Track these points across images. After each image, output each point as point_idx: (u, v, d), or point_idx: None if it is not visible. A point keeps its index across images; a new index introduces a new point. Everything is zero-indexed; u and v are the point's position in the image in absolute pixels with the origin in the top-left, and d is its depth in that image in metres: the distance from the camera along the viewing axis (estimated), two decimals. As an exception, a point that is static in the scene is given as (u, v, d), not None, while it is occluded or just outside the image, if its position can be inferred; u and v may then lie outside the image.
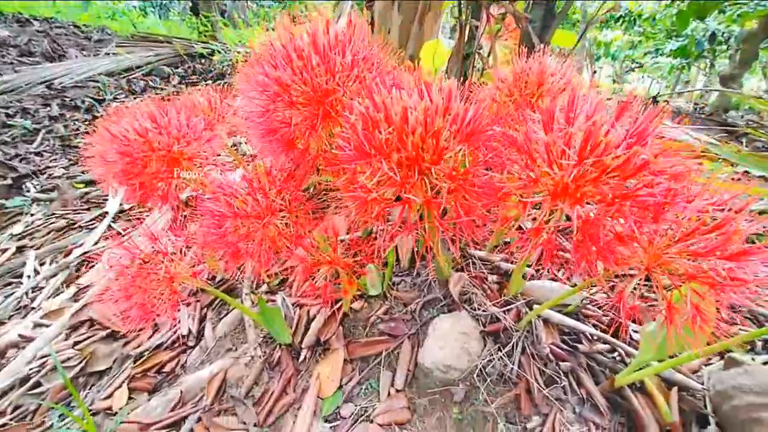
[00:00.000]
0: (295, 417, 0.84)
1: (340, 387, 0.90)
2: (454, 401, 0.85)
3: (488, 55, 1.33)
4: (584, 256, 0.52)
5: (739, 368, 0.81)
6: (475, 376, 0.86)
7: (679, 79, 8.31)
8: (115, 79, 3.47)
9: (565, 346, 0.91)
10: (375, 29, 1.82)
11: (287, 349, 0.98)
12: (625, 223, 0.51)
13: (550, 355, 0.88)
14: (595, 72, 6.49)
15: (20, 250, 1.62)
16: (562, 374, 0.86)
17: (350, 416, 0.84)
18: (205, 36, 4.51)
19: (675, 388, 0.82)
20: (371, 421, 0.82)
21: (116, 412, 0.91)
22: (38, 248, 1.61)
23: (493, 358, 0.88)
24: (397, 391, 0.88)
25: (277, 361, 0.96)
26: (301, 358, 0.97)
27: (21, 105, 2.92)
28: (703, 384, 0.84)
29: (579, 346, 0.91)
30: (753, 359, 0.93)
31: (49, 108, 2.96)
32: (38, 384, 1.02)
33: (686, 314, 0.54)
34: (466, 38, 1.28)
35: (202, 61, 3.98)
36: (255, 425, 0.83)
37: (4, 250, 1.61)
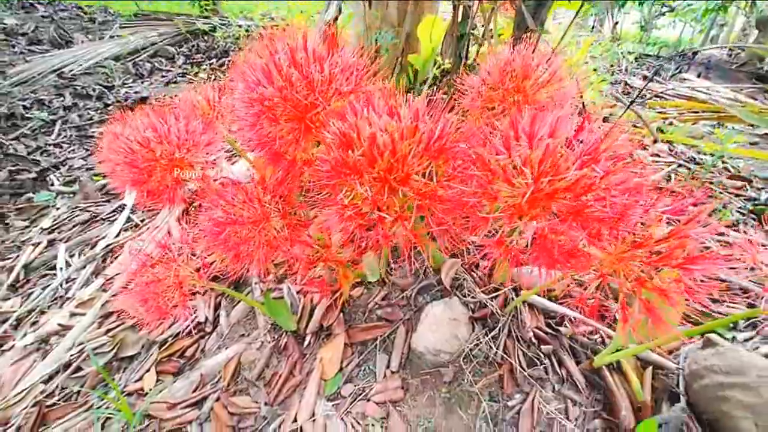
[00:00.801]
0: (301, 396, 0.94)
1: (341, 369, 0.99)
2: (444, 381, 0.93)
3: (483, 36, 1.30)
4: (541, 264, 0.56)
5: (712, 349, 0.85)
6: (462, 359, 0.94)
7: (714, 22, 7.68)
8: (122, 63, 3.50)
9: (548, 330, 0.97)
10: (372, 6, 1.78)
11: (293, 334, 1.08)
12: (580, 235, 0.54)
13: (533, 339, 0.95)
14: (617, 23, 6.06)
15: (51, 243, 1.76)
16: (543, 356, 0.93)
17: (350, 395, 0.94)
18: (206, 10, 4.43)
19: (649, 368, 0.88)
20: (368, 400, 0.92)
21: (146, 393, 1.04)
22: (67, 241, 1.74)
23: (480, 342, 0.95)
24: (392, 372, 0.97)
25: (284, 345, 1.06)
26: (306, 343, 1.06)
27: (36, 96, 3.01)
28: (678, 363, 0.89)
29: (561, 329, 0.97)
30: (734, 337, 0.97)
31: (62, 98, 3.04)
32: (79, 368, 1.16)
33: (641, 314, 0.58)
34: (460, 18, 1.25)
35: (205, 37, 3.94)
36: (266, 404, 0.94)
37: (37, 244, 1.75)
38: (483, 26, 1.28)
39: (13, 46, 3.49)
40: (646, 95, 2.96)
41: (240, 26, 3.87)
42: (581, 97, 1.16)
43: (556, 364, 0.92)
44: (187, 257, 0.88)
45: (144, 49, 3.65)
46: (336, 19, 1.39)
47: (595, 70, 3.24)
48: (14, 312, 1.45)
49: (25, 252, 1.73)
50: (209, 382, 1.04)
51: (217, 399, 0.98)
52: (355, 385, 0.96)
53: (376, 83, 0.76)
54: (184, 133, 0.97)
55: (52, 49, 3.57)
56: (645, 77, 3.47)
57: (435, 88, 1.50)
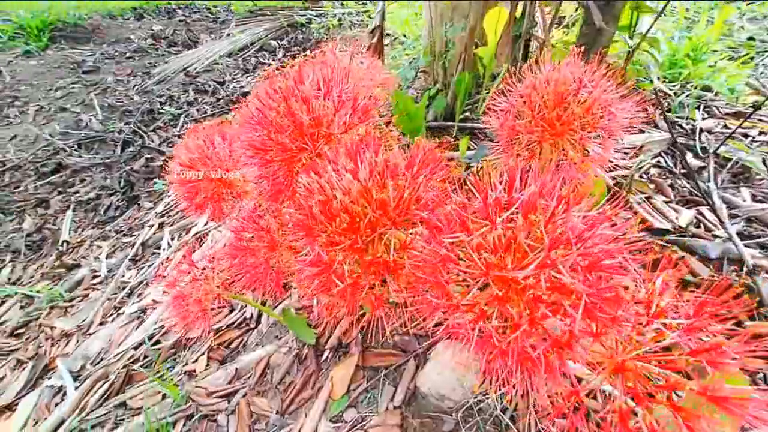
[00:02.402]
0: (308, 411, 1.00)
1: (348, 391, 1.01)
2: (443, 430, 0.88)
3: (545, 31, 1.10)
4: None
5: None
6: (466, 410, 0.87)
7: None
8: (234, 59, 3.94)
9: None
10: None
11: (313, 347, 1.13)
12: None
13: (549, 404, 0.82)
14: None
15: (161, 225, 2.13)
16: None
17: (350, 421, 0.96)
18: (306, 1, 4.67)
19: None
20: (365, 431, 0.93)
21: (197, 375, 1.22)
22: (171, 225, 2.09)
23: (488, 397, 0.87)
24: (395, 407, 0.95)
25: (305, 356, 1.12)
26: (324, 357, 1.11)
27: (169, 93, 3.60)
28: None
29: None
30: None
31: (186, 93, 3.57)
32: (158, 342, 1.41)
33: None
34: (518, 14, 1.08)
35: (303, 29, 4.17)
36: (277, 412, 1.02)
37: (152, 226, 2.15)
38: (549, 22, 1.07)
39: (157, 49, 4.19)
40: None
41: (334, 16, 3.99)
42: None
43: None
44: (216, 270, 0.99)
45: (252, 44, 4.04)
46: (381, 27, 1.32)
47: (752, 40, 2.50)
48: (129, 282, 1.82)
49: (144, 231, 2.14)
50: (242, 377, 1.16)
51: (244, 395, 1.10)
52: (357, 412, 0.97)
53: (372, 122, 0.71)
54: (227, 156, 1.07)
55: (183, 50, 4.19)
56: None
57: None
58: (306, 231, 0.56)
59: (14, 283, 2.24)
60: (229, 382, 1.15)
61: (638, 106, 0.80)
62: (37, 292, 2.03)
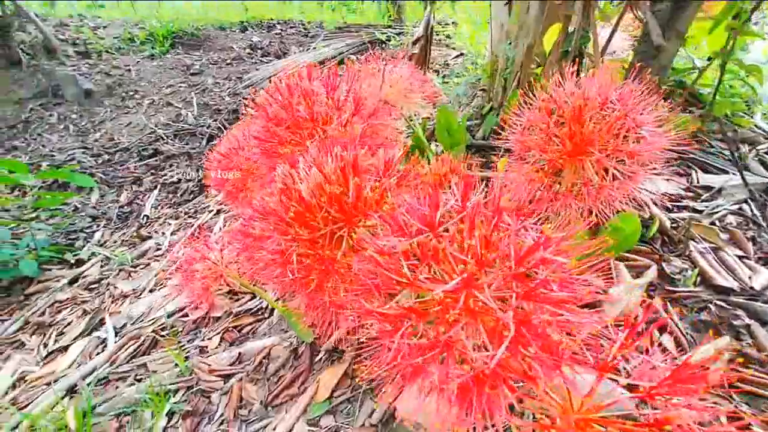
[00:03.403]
0: (288, 409, 0.99)
1: (331, 397, 0.99)
2: (413, 460, 0.81)
3: (595, 47, 1.00)
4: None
5: None
6: (440, 444, 0.79)
7: None
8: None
9: None
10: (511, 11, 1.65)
11: (310, 346, 1.13)
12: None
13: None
14: None
15: (218, 212, 2.33)
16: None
17: (325, 428, 0.93)
18: (390, 20, 4.85)
19: None
20: (336, 441, 0.89)
21: (207, 352, 1.29)
22: (227, 212, 2.28)
23: (466, 436, 0.78)
24: (371, 425, 0.90)
25: (300, 354, 1.13)
26: (318, 357, 1.10)
27: (253, 97, 3.97)
28: None
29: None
30: None
31: (268, 98, 3.91)
32: (186, 314, 1.53)
33: None
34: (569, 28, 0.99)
35: (382, 46, 4.34)
36: (261, 402, 1.03)
37: (211, 211, 2.36)
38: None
39: (252, 58, 4.67)
40: None
41: (413, 35, 4.09)
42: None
43: None
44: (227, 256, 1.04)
45: (333, 57, 4.30)
46: (426, 37, 1.31)
47: None
48: (180, 258, 2.01)
49: (204, 215, 2.36)
50: (243, 362, 1.20)
51: (240, 380, 1.14)
52: (335, 420, 0.94)
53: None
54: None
55: (274, 60, 4.61)
56: None
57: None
58: (265, 218, 0.57)
59: (101, 246, 2.61)
60: (230, 365, 1.20)
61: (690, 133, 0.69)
62: (115, 255, 2.33)
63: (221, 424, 1.03)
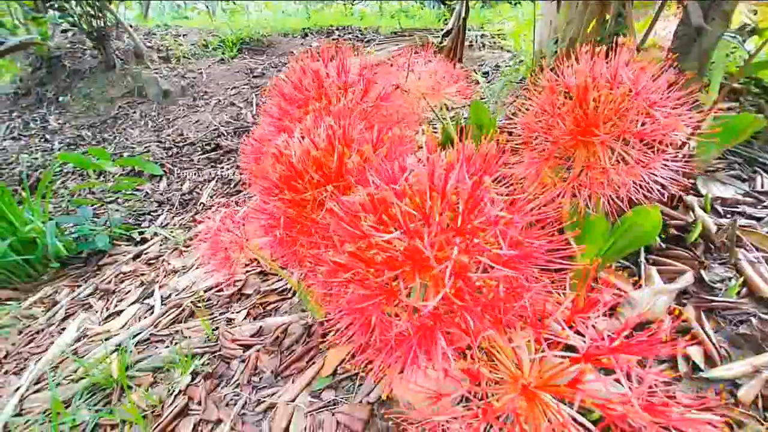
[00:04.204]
0: (295, 380, 1.04)
1: (335, 373, 1.02)
2: (402, 440, 0.81)
3: (630, 33, 0.93)
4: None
5: None
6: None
7: None
8: (367, 73, 4.34)
9: None
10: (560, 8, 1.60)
11: (322, 324, 1.17)
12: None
13: None
14: None
15: (263, 202, 2.49)
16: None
17: (325, 401, 0.96)
18: (446, 23, 4.85)
19: None
20: (333, 414, 0.92)
21: (234, 324, 1.39)
22: (270, 202, 2.42)
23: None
24: (368, 403, 0.92)
25: (313, 331, 1.18)
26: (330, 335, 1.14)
27: (308, 97, 4.17)
28: None
29: None
30: None
31: (321, 99, 4.09)
32: (221, 290, 1.65)
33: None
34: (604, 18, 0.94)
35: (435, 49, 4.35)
36: (272, 372, 1.09)
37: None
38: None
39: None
40: None
41: (467, 39, 4.05)
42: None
43: None
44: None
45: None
46: (459, 29, 1.30)
47: None
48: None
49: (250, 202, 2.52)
50: (263, 335, 1.28)
51: (258, 351, 1.21)
52: (335, 395, 0.97)
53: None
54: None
55: (329, 63, 4.81)
56: None
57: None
58: (257, 180, 0.61)
59: (163, 227, 2.89)
60: (251, 336, 1.28)
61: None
62: (172, 236, 2.58)
63: (236, 387, 1.10)
